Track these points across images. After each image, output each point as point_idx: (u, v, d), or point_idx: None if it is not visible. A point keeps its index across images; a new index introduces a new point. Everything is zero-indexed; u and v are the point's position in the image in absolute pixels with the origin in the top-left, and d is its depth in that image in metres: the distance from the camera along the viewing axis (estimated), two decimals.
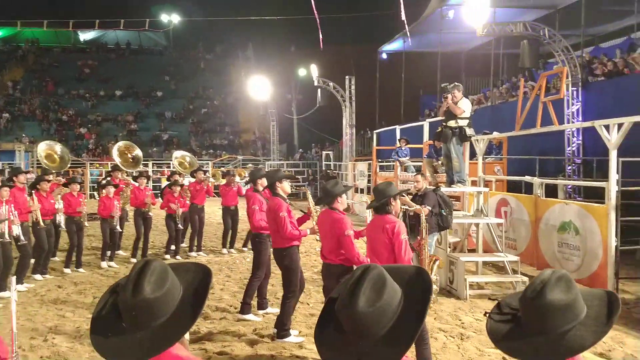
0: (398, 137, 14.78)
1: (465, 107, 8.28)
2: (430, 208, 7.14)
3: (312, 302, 7.28)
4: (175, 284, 1.79)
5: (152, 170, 25.23)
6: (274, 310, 6.68)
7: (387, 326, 1.62)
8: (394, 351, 1.61)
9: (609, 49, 17.26)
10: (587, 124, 7.92)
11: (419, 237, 6.03)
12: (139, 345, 1.71)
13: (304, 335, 5.99)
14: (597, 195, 11.04)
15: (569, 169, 13.34)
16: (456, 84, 8.55)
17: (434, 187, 8.03)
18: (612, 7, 16.98)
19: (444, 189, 8.21)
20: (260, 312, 6.84)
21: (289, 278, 5.91)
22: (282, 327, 5.92)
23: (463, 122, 8.29)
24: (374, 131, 18.41)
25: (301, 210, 6.39)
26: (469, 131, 8.35)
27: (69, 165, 13.26)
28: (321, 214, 5.38)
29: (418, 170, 13.97)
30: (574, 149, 13.28)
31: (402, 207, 6.55)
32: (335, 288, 1.82)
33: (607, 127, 7.20)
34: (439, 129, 8.65)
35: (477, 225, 8.80)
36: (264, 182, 6.71)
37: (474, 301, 7.38)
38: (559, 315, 1.66)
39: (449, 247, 8.47)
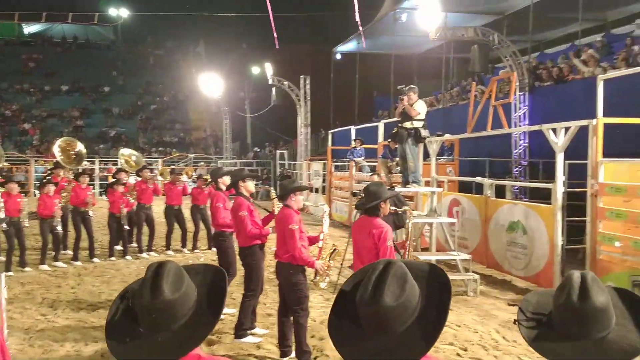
0: (353, 137, 14.93)
1: (420, 109, 8.42)
2: (392, 208, 7.25)
3: (268, 302, 7.26)
4: (190, 285, 1.77)
5: (99, 168, 24.50)
6: (230, 310, 6.63)
7: (408, 323, 1.61)
8: (414, 349, 1.60)
9: (554, 55, 17.97)
10: (536, 127, 8.24)
11: (404, 238, 6.19)
12: (161, 348, 1.68)
13: (261, 336, 5.98)
14: (542, 196, 11.50)
15: (516, 171, 13.82)
16: (412, 86, 8.69)
17: (389, 187, 8.16)
18: (558, 14, 17.64)
19: (398, 189, 8.37)
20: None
21: (251, 277, 5.90)
22: (240, 327, 5.89)
23: (418, 124, 8.42)
24: (329, 131, 18.50)
25: (265, 210, 6.38)
26: (424, 132, 8.51)
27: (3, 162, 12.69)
28: (278, 212, 5.42)
29: (373, 170, 14.17)
30: (520, 151, 13.77)
31: None
32: (347, 281, 1.80)
33: (554, 130, 7.50)
34: (395, 130, 8.77)
35: (430, 224, 9.01)
36: (225, 180, 6.73)
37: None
38: (604, 318, 1.62)
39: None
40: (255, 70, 30.40)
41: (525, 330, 1.73)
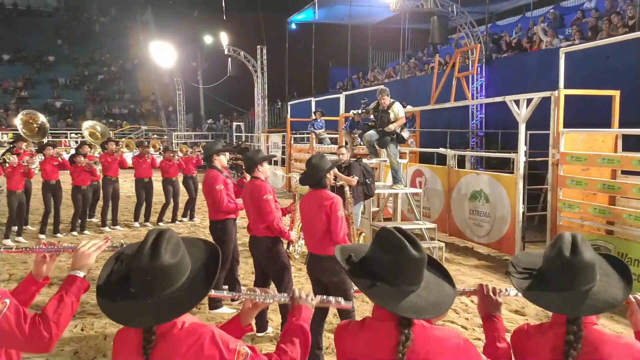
0: (313, 109, 14.90)
1: (401, 113, 8.30)
2: (357, 178, 7.35)
3: (241, 274, 7.29)
4: (186, 255, 1.87)
5: (48, 141, 23.56)
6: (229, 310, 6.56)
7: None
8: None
9: (505, 27, 18.37)
10: (499, 99, 8.46)
11: (345, 211, 6.16)
12: (150, 310, 1.75)
13: (237, 307, 6.02)
14: (499, 165, 11.92)
15: (473, 141, 14.19)
16: (383, 88, 8.53)
17: (356, 158, 8.25)
18: None
19: (366, 161, 8.46)
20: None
21: (222, 250, 5.88)
22: (213, 298, 5.90)
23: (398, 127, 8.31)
24: (288, 103, 18.38)
25: (236, 183, 6.35)
26: (405, 134, 8.46)
27: None
28: (246, 185, 5.34)
29: (334, 141, 14.23)
30: (477, 122, 14.12)
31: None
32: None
33: (517, 102, 7.74)
34: (371, 123, 8.59)
35: (395, 195, 9.19)
36: (222, 159, 6.13)
37: None
38: (590, 273, 1.87)
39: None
40: (208, 39, 29.67)
41: (517, 281, 1.98)
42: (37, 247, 2.25)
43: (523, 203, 7.85)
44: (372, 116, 8.68)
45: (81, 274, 2.12)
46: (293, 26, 24.72)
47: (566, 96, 7.21)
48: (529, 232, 8.91)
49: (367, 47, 24.11)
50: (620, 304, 1.87)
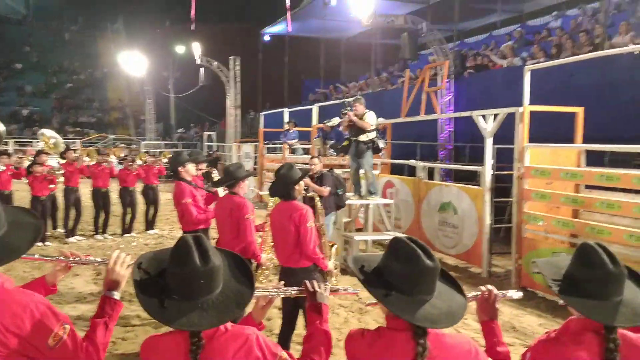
0: (286, 120, 14.98)
1: (371, 120, 8.34)
2: (330, 189, 7.43)
3: None
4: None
5: (12, 150, 23.04)
6: None
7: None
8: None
9: (473, 44, 18.82)
10: (467, 113, 8.68)
11: (316, 222, 6.19)
12: (208, 312, 1.78)
13: None
14: (467, 178, 12.16)
15: (442, 154, 14.46)
16: (358, 97, 8.62)
17: (328, 169, 8.34)
18: (477, 4, 18.46)
19: (338, 172, 8.56)
20: None
21: None
22: None
23: (373, 135, 8.37)
24: (261, 113, 18.44)
25: (207, 190, 6.34)
26: (381, 144, 8.53)
27: None
28: (223, 200, 5.22)
29: (306, 152, 14.33)
30: (446, 135, 14.41)
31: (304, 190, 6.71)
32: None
33: (484, 116, 7.97)
34: (346, 142, 8.65)
35: (366, 206, 9.29)
36: (189, 169, 6.08)
37: None
38: (622, 284, 1.94)
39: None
40: (180, 49, 29.54)
41: (557, 289, 2.01)
42: (62, 257, 2.21)
43: (490, 215, 8.05)
44: (346, 133, 8.73)
45: (118, 296, 2.09)
46: (267, 38, 24.84)
47: (531, 112, 7.45)
48: (495, 244, 9.12)
49: (340, 60, 24.38)
50: None
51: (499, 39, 16.44)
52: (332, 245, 5.88)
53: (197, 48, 21.89)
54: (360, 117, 8.27)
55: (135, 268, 1.89)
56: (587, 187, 7.17)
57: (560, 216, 7.06)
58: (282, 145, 14.89)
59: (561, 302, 2.12)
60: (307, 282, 2.25)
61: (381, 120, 11.71)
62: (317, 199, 5.89)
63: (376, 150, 8.54)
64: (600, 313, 1.88)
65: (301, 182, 4.58)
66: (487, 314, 2.28)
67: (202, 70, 22.57)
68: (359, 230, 9.82)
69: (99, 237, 10.76)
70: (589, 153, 7.43)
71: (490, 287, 2.34)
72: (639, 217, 6.01)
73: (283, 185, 4.44)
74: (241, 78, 22.18)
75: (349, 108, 8.37)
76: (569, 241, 7.06)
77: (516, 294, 2.45)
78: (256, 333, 1.90)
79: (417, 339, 1.86)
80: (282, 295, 2.21)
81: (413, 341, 1.87)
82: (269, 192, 4.76)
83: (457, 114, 10.72)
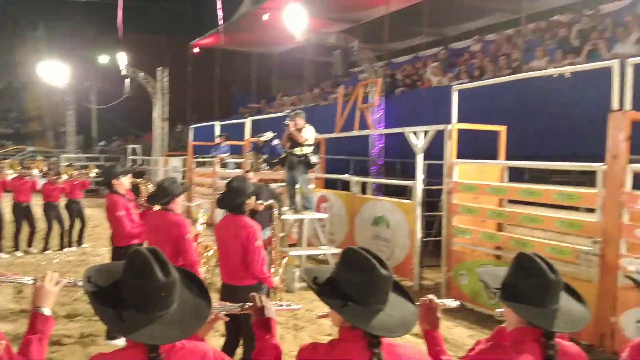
0: (217, 133, 14.78)
1: (308, 135, 8.40)
2: (265, 203, 7.39)
3: None
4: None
5: None
6: None
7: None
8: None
9: (399, 64, 19.45)
10: (398, 130, 8.95)
11: (270, 234, 6.19)
12: (170, 326, 1.75)
13: None
14: (397, 193, 12.48)
15: (373, 169, 14.77)
16: (298, 111, 8.70)
17: (265, 184, 8.32)
18: (405, 27, 19.12)
19: (273, 185, 8.56)
20: None
21: None
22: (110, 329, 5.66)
23: (308, 150, 8.43)
24: (190, 126, 18.09)
25: (142, 205, 6.17)
26: (314, 159, 8.56)
27: None
28: (156, 216, 5.06)
29: (238, 166, 14.20)
30: (377, 151, 14.75)
31: None
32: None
33: (415, 133, 8.25)
34: (284, 155, 8.67)
35: (300, 220, 9.32)
36: (123, 182, 5.97)
37: (301, 293, 7.84)
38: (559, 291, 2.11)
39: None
40: (103, 59, 28.55)
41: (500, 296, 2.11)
42: None
43: (421, 229, 8.31)
44: (282, 147, 8.75)
45: (48, 312, 2.04)
46: (197, 50, 24.47)
47: (459, 129, 7.79)
48: (425, 257, 9.41)
49: (272, 74, 24.42)
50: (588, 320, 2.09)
51: (426, 60, 17.08)
52: (283, 257, 5.86)
53: (122, 58, 21.25)
54: (300, 131, 8.33)
55: (85, 281, 1.83)
56: (510, 201, 7.57)
57: (486, 229, 7.40)
58: (212, 159, 14.68)
59: (498, 311, 2.24)
60: (255, 295, 2.24)
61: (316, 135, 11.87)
62: (275, 212, 5.95)
63: (308, 165, 8.59)
64: (541, 319, 1.99)
65: (252, 197, 4.52)
66: (430, 323, 2.35)
67: (127, 81, 21.92)
68: (292, 245, 9.83)
69: (18, 253, 10.19)
70: (510, 169, 7.85)
71: (431, 296, 2.42)
72: (560, 231, 6.40)
73: (234, 198, 4.33)
74: (169, 90, 21.72)
75: (289, 120, 8.40)
76: (494, 253, 7.40)
77: (453, 303, 2.56)
78: (212, 349, 1.89)
79: (372, 348, 1.86)
80: (238, 311, 2.20)
81: (368, 351, 1.87)
82: (216, 204, 4.65)
83: (391, 130, 11.04)
